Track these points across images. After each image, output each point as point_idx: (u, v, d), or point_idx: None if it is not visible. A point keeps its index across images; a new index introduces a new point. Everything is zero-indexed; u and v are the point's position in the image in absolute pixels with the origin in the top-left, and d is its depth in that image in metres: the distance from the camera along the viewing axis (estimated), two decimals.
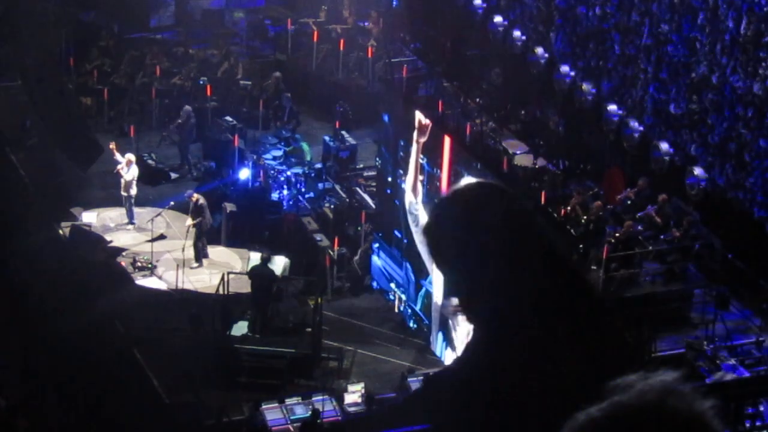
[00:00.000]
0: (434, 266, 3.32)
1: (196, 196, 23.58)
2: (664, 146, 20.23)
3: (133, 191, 24.61)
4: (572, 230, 19.04)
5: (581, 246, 19.02)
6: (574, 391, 3.03)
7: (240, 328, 21.19)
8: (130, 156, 24.81)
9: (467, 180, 3.67)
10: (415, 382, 19.35)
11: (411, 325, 22.06)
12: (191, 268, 23.24)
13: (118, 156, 24.63)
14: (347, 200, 24.69)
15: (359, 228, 23.83)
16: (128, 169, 24.51)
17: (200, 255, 23.52)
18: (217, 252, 24.01)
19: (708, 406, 2.35)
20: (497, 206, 3.19)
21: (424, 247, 3.29)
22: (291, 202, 25.04)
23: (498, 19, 25.03)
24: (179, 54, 30.06)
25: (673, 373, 2.46)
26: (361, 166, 25.86)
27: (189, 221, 23.49)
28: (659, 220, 19.75)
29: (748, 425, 16.54)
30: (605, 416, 2.36)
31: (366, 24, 30.62)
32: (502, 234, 3.16)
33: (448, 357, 20.49)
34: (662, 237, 19.58)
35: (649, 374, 2.40)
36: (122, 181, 24.56)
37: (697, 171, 19.61)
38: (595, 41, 22.91)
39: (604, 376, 3.09)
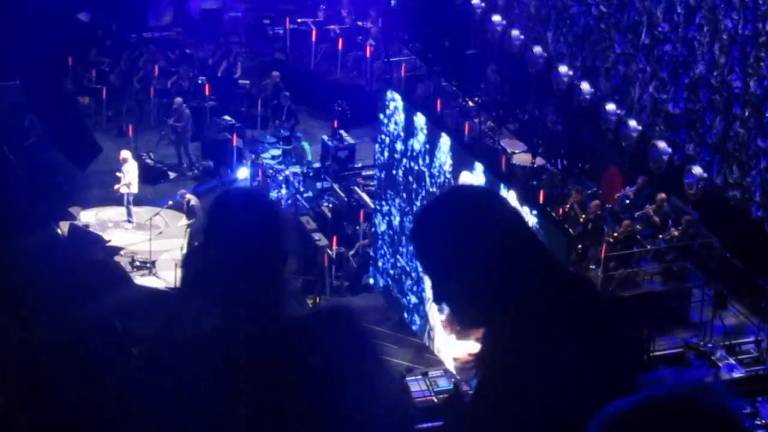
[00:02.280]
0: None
1: (188, 196, 23.58)
2: (663, 145, 20.24)
3: (133, 190, 24.57)
4: (570, 229, 19.04)
5: (580, 245, 19.02)
6: (581, 391, 3.03)
7: None
8: (125, 153, 24.75)
9: (456, 184, 3.72)
10: (413, 382, 19.33)
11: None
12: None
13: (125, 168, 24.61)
14: (346, 199, 24.69)
15: (357, 227, 23.83)
16: (125, 168, 24.51)
17: None
18: None
19: (740, 405, 2.35)
20: (488, 209, 3.19)
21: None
22: (289, 202, 25.03)
23: (496, 18, 25.05)
24: (177, 53, 30.07)
25: (707, 369, 2.47)
26: (360, 165, 25.86)
27: (183, 221, 23.51)
28: (657, 219, 19.75)
29: None
30: (636, 409, 2.35)
31: (364, 23, 30.63)
32: (495, 237, 3.15)
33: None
34: (660, 236, 19.59)
35: (683, 370, 2.40)
36: (121, 180, 24.57)
37: (696, 170, 19.62)
38: (593, 40, 22.92)
39: (610, 375, 3.09)
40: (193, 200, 23.53)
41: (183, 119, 26.76)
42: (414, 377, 19.40)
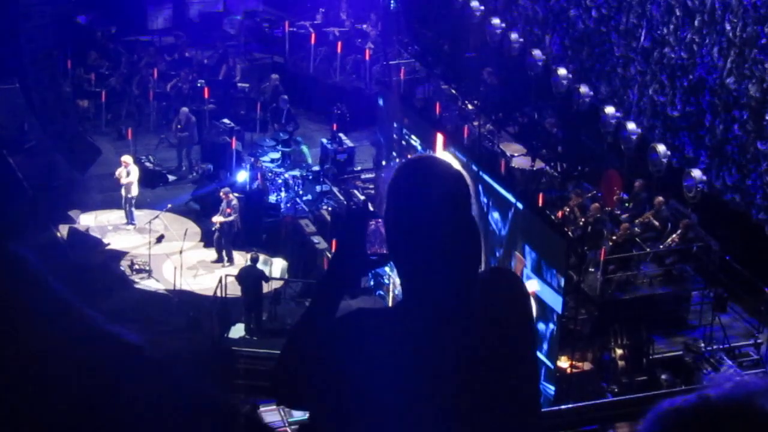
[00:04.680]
0: None
1: (231, 195, 23.59)
2: (662, 148, 20.24)
3: (134, 193, 24.61)
4: (570, 232, 19.04)
5: (579, 248, 19.02)
6: None
7: (238, 331, 21.20)
8: (127, 158, 24.81)
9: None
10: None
11: None
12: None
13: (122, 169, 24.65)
14: (345, 202, 24.69)
15: None
16: (127, 171, 24.53)
17: (230, 254, 23.62)
18: (214, 254, 24.03)
19: None
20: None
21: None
22: (289, 205, 25.03)
23: (495, 21, 25.06)
24: (177, 57, 30.07)
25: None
26: (359, 168, 25.87)
27: (219, 218, 23.52)
28: (657, 223, 19.75)
29: None
30: (690, 407, 2.32)
31: (363, 26, 30.63)
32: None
33: None
34: (660, 245, 19.57)
35: (744, 374, 2.40)
36: (122, 182, 24.60)
37: (695, 173, 19.62)
38: (593, 43, 22.93)
39: None
40: (234, 200, 23.55)
41: (188, 128, 26.81)
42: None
